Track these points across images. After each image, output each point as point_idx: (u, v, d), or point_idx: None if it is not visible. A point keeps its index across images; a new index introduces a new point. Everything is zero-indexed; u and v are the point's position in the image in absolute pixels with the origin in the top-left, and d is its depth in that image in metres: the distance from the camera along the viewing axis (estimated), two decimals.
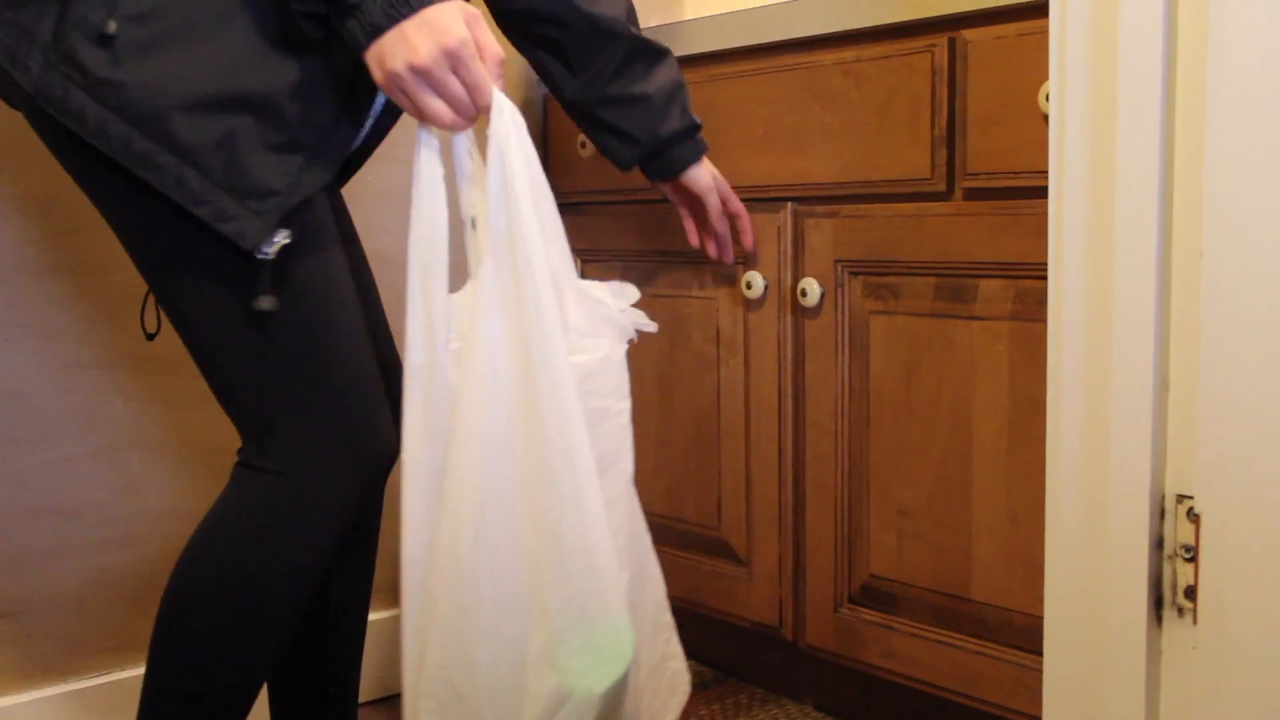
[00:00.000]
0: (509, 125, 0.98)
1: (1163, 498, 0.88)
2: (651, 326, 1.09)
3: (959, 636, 1.34)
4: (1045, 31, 0.94)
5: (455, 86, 0.98)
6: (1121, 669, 0.90)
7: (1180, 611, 0.88)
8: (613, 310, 1.04)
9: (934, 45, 1.29)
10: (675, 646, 1.18)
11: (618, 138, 1.31)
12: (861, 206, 1.38)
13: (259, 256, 0.98)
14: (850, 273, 1.40)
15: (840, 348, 1.41)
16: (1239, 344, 0.83)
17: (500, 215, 0.96)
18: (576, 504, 0.99)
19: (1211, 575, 0.86)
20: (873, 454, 1.40)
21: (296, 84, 1.00)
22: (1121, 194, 0.88)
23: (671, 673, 1.17)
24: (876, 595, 1.42)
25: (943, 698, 1.37)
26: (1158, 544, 0.89)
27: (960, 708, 1.36)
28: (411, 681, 1.01)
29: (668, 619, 1.16)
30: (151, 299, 1.16)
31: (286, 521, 1.06)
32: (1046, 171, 0.94)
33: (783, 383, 1.48)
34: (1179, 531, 0.88)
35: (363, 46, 0.97)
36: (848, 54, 1.37)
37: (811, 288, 1.41)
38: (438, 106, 0.98)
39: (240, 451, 1.08)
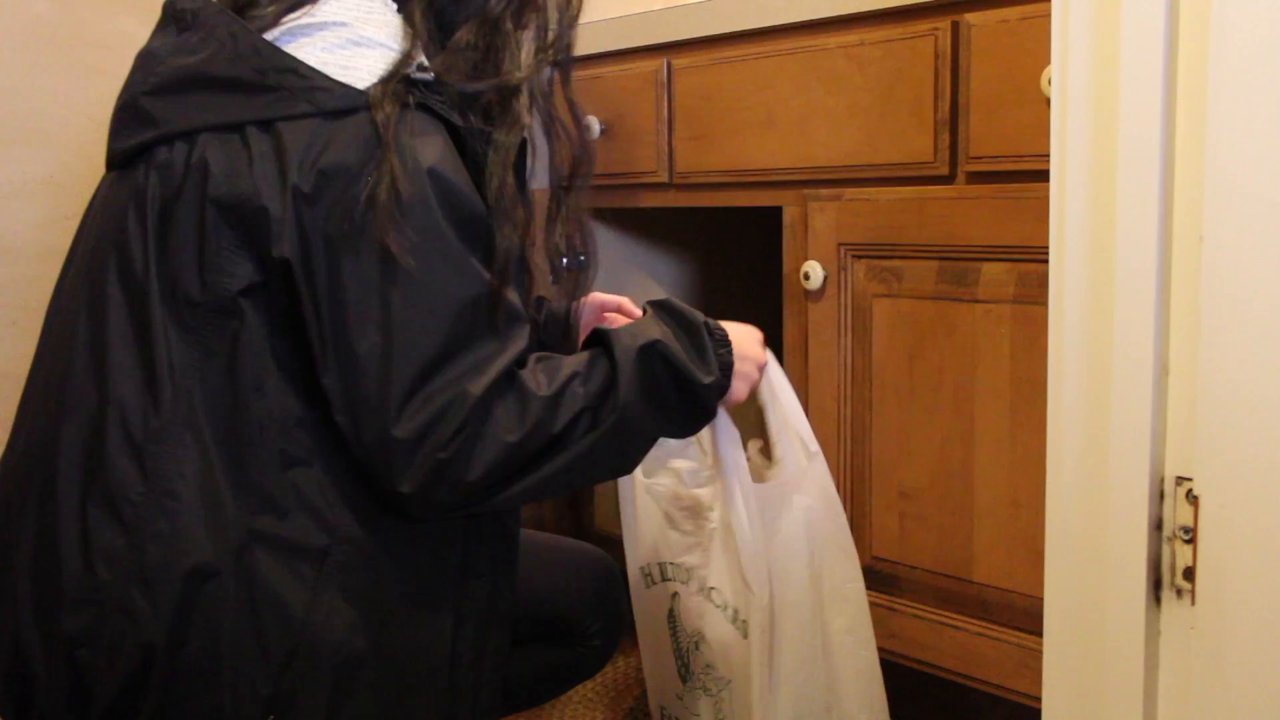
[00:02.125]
0: (771, 357, 1.26)
1: (1162, 480, 0.89)
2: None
3: (960, 618, 1.35)
4: (1048, 15, 0.94)
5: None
6: (1120, 649, 0.91)
7: (1179, 593, 0.89)
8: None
9: (937, 28, 1.29)
10: None
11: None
12: (864, 190, 1.38)
13: None
14: (853, 256, 1.40)
15: (843, 331, 1.42)
16: (1239, 328, 0.83)
17: (786, 411, 1.30)
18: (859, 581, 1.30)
19: (1210, 557, 0.86)
20: (875, 437, 1.41)
21: None
22: (1123, 178, 0.88)
23: None
24: (879, 577, 1.42)
25: (944, 678, 1.38)
26: (1157, 526, 0.89)
27: (962, 688, 1.37)
28: None
29: None
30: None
31: None
32: (1048, 155, 0.94)
33: (786, 366, 1.48)
34: (1178, 513, 0.88)
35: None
36: (851, 37, 1.37)
37: (815, 271, 1.42)
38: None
39: None
